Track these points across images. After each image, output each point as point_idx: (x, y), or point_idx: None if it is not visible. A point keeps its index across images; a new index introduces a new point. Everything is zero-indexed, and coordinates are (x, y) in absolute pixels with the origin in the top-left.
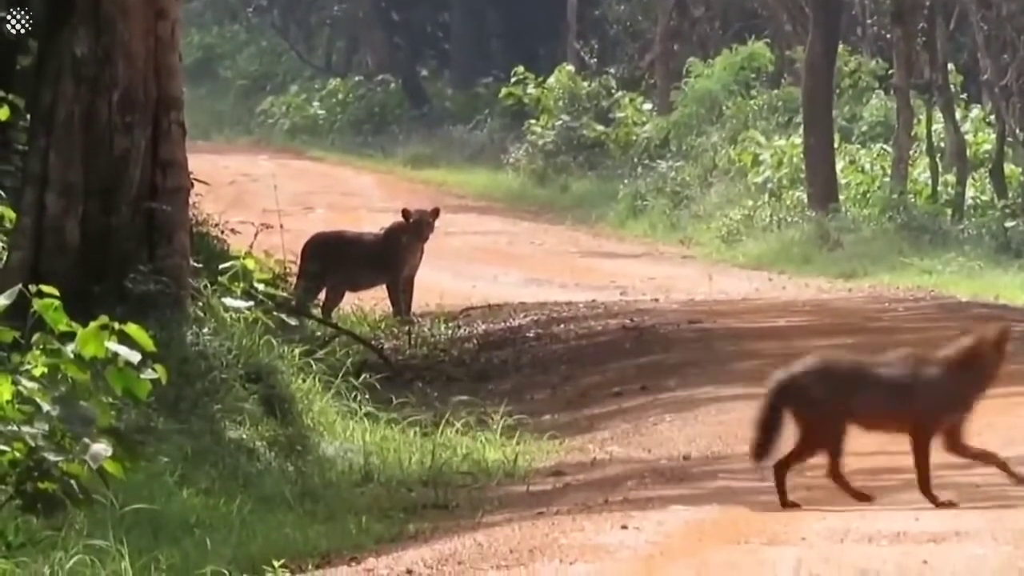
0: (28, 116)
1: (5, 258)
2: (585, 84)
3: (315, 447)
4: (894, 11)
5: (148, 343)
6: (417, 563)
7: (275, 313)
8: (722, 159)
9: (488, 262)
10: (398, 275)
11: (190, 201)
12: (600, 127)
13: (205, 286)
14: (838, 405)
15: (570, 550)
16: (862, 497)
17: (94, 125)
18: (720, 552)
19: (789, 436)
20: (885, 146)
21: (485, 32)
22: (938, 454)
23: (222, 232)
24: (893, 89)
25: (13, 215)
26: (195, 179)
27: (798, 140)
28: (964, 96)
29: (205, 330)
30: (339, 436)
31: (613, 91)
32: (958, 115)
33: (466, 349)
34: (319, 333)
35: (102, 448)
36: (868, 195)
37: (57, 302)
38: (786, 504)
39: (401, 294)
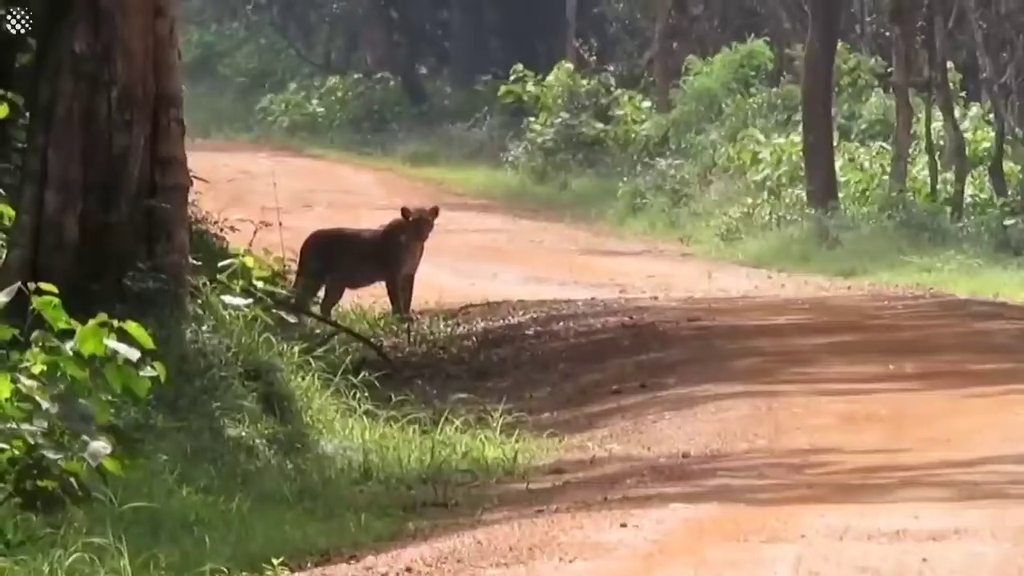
0: (27, 113)
1: (4, 255)
2: (584, 82)
3: (314, 445)
4: (893, 9)
5: (147, 341)
6: (416, 561)
7: (274, 311)
8: (721, 157)
9: (487, 260)
10: (397, 273)
11: (189, 199)
12: (599, 125)
13: (204, 284)
14: None
15: (569, 548)
16: None
17: (93, 122)
18: (719, 550)
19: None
20: (884, 144)
21: (484, 30)
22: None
23: (221, 230)
24: (892, 87)
25: (12, 212)
26: (194, 177)
27: (797, 138)
28: (963, 94)
29: (204, 328)
30: (338, 434)
31: (612, 89)
32: (957, 113)
33: (465, 347)
34: (318, 331)
35: (101, 446)
36: (867, 193)
37: (56, 299)
38: None
39: (400, 292)
